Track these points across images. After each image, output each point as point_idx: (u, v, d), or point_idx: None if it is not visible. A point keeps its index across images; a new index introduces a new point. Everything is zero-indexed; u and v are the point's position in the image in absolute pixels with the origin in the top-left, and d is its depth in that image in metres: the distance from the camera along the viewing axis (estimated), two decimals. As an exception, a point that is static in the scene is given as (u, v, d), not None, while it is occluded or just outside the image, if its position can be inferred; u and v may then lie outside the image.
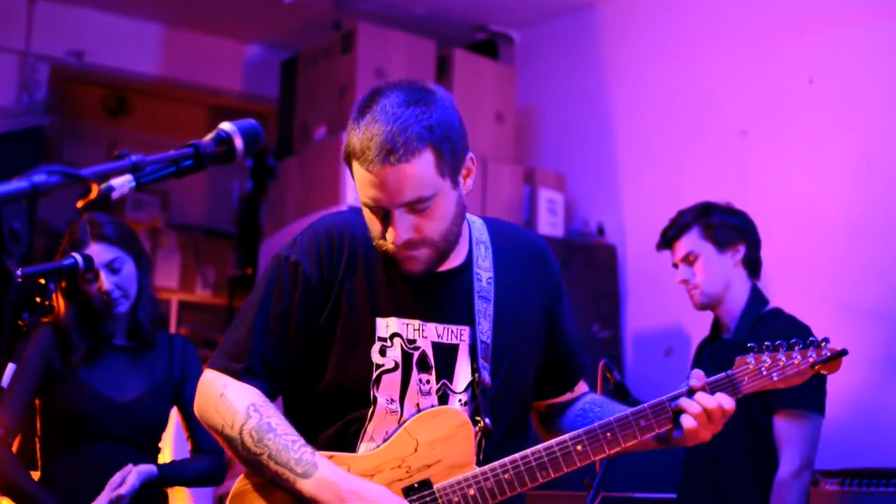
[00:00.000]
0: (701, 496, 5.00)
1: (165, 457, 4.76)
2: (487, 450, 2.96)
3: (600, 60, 8.11)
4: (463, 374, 2.98)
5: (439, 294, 3.00)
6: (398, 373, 2.93)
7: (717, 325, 5.15)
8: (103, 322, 4.57)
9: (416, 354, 2.95)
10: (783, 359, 3.03)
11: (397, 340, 2.94)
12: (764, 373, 3.02)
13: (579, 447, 2.90)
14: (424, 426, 2.90)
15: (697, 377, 2.97)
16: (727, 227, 5.02)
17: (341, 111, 7.30)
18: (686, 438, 2.96)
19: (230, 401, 2.94)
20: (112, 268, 4.46)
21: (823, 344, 3.05)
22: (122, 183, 2.03)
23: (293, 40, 8.83)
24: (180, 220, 10.95)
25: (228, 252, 10.55)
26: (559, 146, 8.37)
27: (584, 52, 8.25)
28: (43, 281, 3.96)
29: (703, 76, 7.27)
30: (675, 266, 5.15)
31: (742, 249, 5.02)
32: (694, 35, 7.43)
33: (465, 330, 3.00)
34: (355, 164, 2.82)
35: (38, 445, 4.56)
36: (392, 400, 2.93)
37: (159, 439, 4.65)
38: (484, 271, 3.05)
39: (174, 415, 4.75)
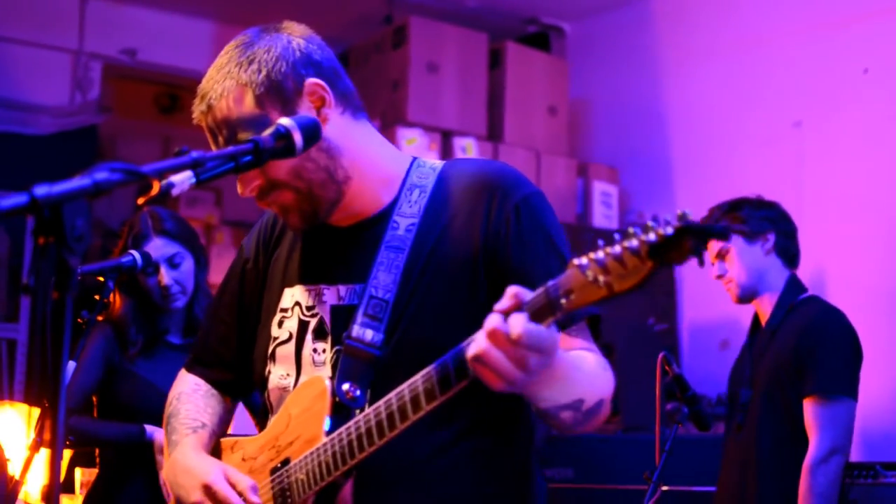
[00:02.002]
0: (733, 481, 4.99)
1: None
2: None
3: (653, 52, 8.07)
4: None
5: (348, 252, 2.67)
6: (291, 343, 2.68)
7: (756, 319, 5.14)
8: (159, 317, 4.60)
9: (314, 322, 2.66)
10: (612, 251, 1.91)
11: (297, 309, 2.70)
12: (590, 277, 1.95)
13: (390, 408, 2.31)
14: (296, 400, 2.62)
15: (508, 294, 2.09)
16: (755, 217, 5.03)
17: (395, 105, 7.33)
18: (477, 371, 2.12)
19: (169, 393, 2.96)
20: (172, 263, 4.48)
21: (674, 222, 1.83)
22: (182, 179, 2.04)
23: (343, 36, 8.82)
24: (234, 217, 10.95)
25: (282, 248, 10.56)
26: (612, 139, 8.35)
27: (636, 45, 8.22)
28: (101, 279, 3.99)
29: (757, 67, 7.23)
30: (712, 263, 5.17)
31: (772, 238, 5.02)
32: (747, 25, 7.39)
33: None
34: None
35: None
36: (287, 375, 2.68)
37: (216, 436, 4.66)
38: (406, 218, 2.63)
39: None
